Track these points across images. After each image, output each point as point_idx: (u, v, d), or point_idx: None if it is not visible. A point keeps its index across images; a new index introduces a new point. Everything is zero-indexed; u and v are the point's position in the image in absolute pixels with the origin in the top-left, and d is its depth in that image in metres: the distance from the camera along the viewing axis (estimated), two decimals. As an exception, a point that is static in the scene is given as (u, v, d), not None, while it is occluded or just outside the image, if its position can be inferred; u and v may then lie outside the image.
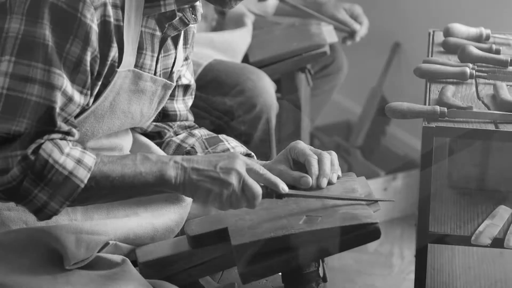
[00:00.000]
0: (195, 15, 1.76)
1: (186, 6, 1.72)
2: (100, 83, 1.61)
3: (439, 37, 2.38)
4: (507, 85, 2.05)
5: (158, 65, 1.74)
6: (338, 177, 1.72)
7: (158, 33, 1.71)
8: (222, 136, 1.91)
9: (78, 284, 1.59)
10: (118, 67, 1.62)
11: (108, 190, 1.55)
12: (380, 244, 3.15)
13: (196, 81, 2.09)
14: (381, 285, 2.96)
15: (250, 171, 1.58)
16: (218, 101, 2.62)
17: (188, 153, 1.87)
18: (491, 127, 1.89)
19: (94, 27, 1.53)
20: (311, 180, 1.68)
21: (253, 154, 1.89)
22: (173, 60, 1.78)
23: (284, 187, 1.61)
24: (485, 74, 2.12)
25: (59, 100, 1.52)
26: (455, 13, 3.27)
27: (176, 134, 1.92)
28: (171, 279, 1.66)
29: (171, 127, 1.91)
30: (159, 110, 1.82)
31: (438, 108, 1.91)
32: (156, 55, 1.72)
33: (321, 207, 1.62)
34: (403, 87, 3.62)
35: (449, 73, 2.11)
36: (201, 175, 1.56)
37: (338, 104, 3.90)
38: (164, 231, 1.73)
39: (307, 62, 2.85)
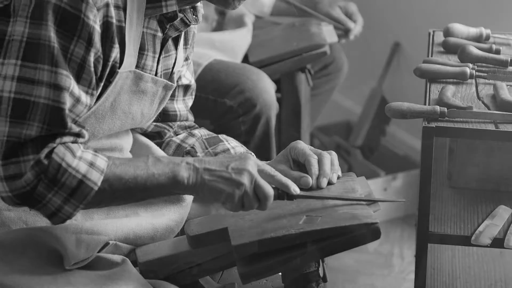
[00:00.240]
0: (196, 15, 1.76)
1: (187, 7, 1.72)
2: (102, 84, 1.61)
3: (439, 37, 2.38)
4: (507, 85, 2.05)
5: (159, 66, 1.74)
6: (338, 177, 1.72)
7: (160, 34, 1.71)
8: (222, 136, 1.91)
9: (78, 284, 1.59)
10: (119, 67, 1.62)
11: (121, 192, 1.55)
12: (380, 244, 3.15)
13: (196, 81, 2.09)
14: (381, 285, 2.96)
15: (261, 172, 1.59)
16: (218, 101, 2.62)
17: (188, 153, 1.87)
18: (491, 127, 1.89)
19: (97, 28, 1.54)
20: (311, 180, 1.68)
21: (253, 154, 1.89)
22: (173, 61, 1.78)
23: (295, 189, 1.61)
24: (485, 74, 2.12)
25: (68, 101, 1.52)
26: (455, 13, 3.27)
27: (176, 134, 1.92)
28: (171, 279, 1.66)
29: (171, 127, 1.91)
30: (159, 111, 1.82)
31: (438, 108, 1.91)
32: (157, 56, 1.72)
33: (321, 207, 1.62)
34: (403, 87, 3.63)
35: (449, 73, 2.11)
36: (213, 176, 1.56)
37: (338, 104, 3.90)
38: (164, 231, 1.73)
39: (307, 62, 2.85)
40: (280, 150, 1.79)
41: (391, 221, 3.28)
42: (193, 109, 1.97)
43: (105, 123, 1.67)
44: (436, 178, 2.26)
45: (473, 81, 2.12)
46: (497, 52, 2.23)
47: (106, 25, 1.56)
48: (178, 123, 1.92)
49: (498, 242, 1.97)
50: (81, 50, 1.52)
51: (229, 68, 2.67)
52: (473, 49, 2.19)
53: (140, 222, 1.70)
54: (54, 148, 1.51)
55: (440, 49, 2.33)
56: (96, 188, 1.52)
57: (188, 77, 1.91)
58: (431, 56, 2.29)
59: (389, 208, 3.26)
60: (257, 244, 1.55)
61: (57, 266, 1.62)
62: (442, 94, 2.00)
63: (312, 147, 1.75)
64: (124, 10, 1.60)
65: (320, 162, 1.71)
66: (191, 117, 1.95)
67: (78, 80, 1.54)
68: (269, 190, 1.57)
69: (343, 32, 3.07)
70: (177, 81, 1.87)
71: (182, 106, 1.92)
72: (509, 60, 2.16)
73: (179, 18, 1.71)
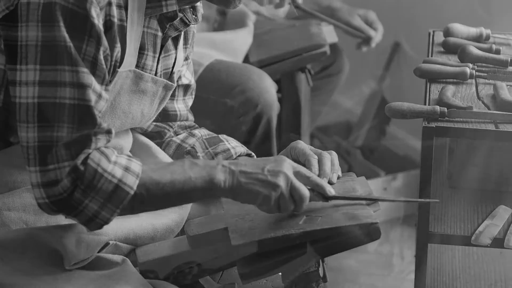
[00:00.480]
0: (196, 15, 1.76)
1: (187, 6, 1.72)
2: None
3: (439, 37, 2.38)
4: (507, 85, 2.05)
5: (159, 66, 1.74)
6: (338, 177, 1.73)
7: (160, 34, 1.71)
8: (222, 136, 1.91)
9: (78, 284, 1.59)
10: (119, 67, 1.62)
11: (159, 197, 1.55)
12: (380, 244, 3.15)
13: (197, 81, 2.09)
14: (381, 285, 2.96)
15: (297, 174, 1.59)
16: (219, 101, 2.62)
17: (188, 153, 1.87)
18: (491, 127, 1.90)
19: (101, 27, 1.54)
20: (311, 180, 1.68)
21: (253, 154, 1.89)
22: (173, 61, 1.78)
23: (331, 190, 1.62)
24: (485, 74, 2.12)
25: (93, 98, 1.52)
26: (455, 13, 3.27)
27: (176, 134, 1.92)
28: (171, 279, 1.66)
29: (171, 127, 1.91)
30: (159, 111, 1.82)
31: (438, 108, 1.91)
32: (157, 55, 1.72)
33: (321, 207, 1.63)
34: (403, 87, 3.62)
35: (449, 73, 2.11)
36: (250, 178, 1.56)
37: (338, 104, 3.90)
38: (164, 231, 1.73)
39: (307, 62, 2.85)
40: (280, 150, 1.79)
41: (391, 221, 3.28)
42: (193, 109, 1.97)
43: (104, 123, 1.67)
44: (436, 178, 2.26)
45: (473, 81, 2.12)
46: (497, 52, 2.23)
47: (108, 24, 1.56)
48: (178, 123, 1.92)
49: (498, 242, 1.97)
50: (92, 49, 1.52)
51: (230, 68, 2.67)
52: (473, 49, 2.20)
53: (140, 222, 1.70)
54: (90, 154, 1.51)
55: (440, 49, 2.33)
56: (132, 192, 1.52)
57: (188, 77, 1.91)
58: (431, 56, 2.29)
59: (389, 208, 3.26)
60: (257, 244, 1.55)
61: (57, 266, 1.62)
62: (442, 94, 2.00)
63: (312, 147, 1.75)
64: (126, 9, 1.60)
65: (320, 162, 1.71)
66: (191, 117, 1.96)
67: (94, 77, 1.54)
68: (305, 191, 1.57)
69: (364, 40, 3.08)
70: (177, 81, 1.87)
71: (182, 106, 1.92)
72: (509, 60, 2.16)
73: (178, 18, 1.71)
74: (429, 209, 1.97)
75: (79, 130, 1.51)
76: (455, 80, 2.11)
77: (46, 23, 1.49)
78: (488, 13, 3.15)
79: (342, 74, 3.18)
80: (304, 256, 1.56)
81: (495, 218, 2.03)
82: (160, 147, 1.89)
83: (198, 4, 1.75)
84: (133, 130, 1.87)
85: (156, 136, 1.91)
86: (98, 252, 1.65)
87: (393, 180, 3.29)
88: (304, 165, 1.71)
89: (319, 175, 1.69)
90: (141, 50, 1.68)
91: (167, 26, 1.71)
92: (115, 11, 1.57)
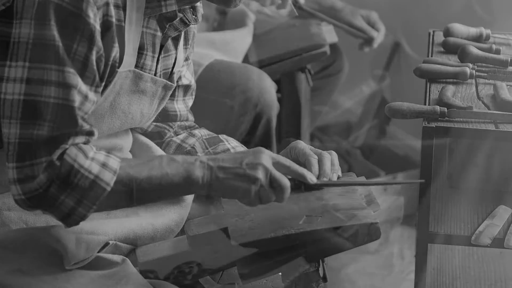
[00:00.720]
0: (196, 15, 1.76)
1: (187, 6, 1.72)
2: (103, 83, 1.61)
3: (439, 37, 2.38)
4: (507, 85, 2.05)
5: (159, 66, 1.74)
6: (338, 177, 1.72)
7: (159, 34, 1.71)
8: (222, 136, 1.91)
9: (78, 284, 1.59)
10: (118, 67, 1.62)
11: (136, 193, 1.55)
12: (380, 244, 3.15)
13: (197, 81, 2.09)
14: (381, 285, 2.96)
15: (276, 164, 1.58)
16: (219, 101, 2.62)
17: (188, 153, 1.87)
18: (491, 127, 1.90)
19: (97, 27, 1.54)
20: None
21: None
22: (173, 61, 1.78)
23: (312, 178, 1.61)
24: (485, 74, 2.12)
25: (77, 99, 1.52)
26: (455, 13, 3.27)
27: (176, 134, 1.92)
28: (171, 279, 1.66)
29: (171, 127, 1.91)
30: (159, 111, 1.82)
31: (438, 108, 1.91)
32: (156, 55, 1.72)
33: (321, 207, 1.63)
34: (403, 87, 3.62)
35: (449, 73, 2.11)
36: (228, 173, 1.56)
37: (338, 104, 3.90)
38: (164, 231, 1.73)
39: (307, 62, 2.85)
40: (280, 150, 1.79)
41: (391, 221, 3.28)
42: (193, 109, 1.97)
43: (104, 123, 1.67)
44: (436, 178, 2.26)
45: (473, 81, 2.12)
46: (497, 52, 2.23)
47: (105, 24, 1.56)
48: (178, 123, 1.92)
49: (498, 242, 1.97)
50: (84, 49, 1.52)
51: (230, 68, 2.67)
52: (473, 49, 2.20)
53: (140, 222, 1.70)
54: (66, 149, 1.51)
55: (440, 49, 2.33)
56: (108, 188, 1.52)
57: (188, 77, 1.91)
58: (431, 56, 2.29)
59: (389, 208, 3.26)
60: (257, 244, 1.55)
61: (57, 266, 1.62)
62: (442, 94, 2.00)
63: (312, 147, 1.75)
64: (124, 9, 1.60)
65: (320, 162, 1.71)
66: (191, 117, 1.95)
67: (82, 78, 1.54)
68: (285, 181, 1.57)
69: (366, 41, 3.08)
70: (177, 81, 1.87)
71: (182, 106, 1.92)
72: (509, 60, 2.17)
73: (178, 18, 1.71)
74: (429, 209, 1.97)
75: (59, 129, 1.51)
76: (455, 80, 2.11)
77: (39, 21, 1.50)
78: (488, 13, 3.15)
79: (342, 74, 3.18)
80: (304, 256, 1.56)
81: (495, 218, 2.03)
82: (160, 147, 1.88)
83: (198, 4, 1.75)
84: (133, 130, 1.87)
85: (156, 136, 1.91)
86: (98, 252, 1.65)
87: (393, 180, 3.29)
88: (304, 165, 1.71)
89: (319, 175, 1.69)
90: (140, 50, 1.68)
91: (167, 26, 1.71)
92: (112, 11, 1.56)
